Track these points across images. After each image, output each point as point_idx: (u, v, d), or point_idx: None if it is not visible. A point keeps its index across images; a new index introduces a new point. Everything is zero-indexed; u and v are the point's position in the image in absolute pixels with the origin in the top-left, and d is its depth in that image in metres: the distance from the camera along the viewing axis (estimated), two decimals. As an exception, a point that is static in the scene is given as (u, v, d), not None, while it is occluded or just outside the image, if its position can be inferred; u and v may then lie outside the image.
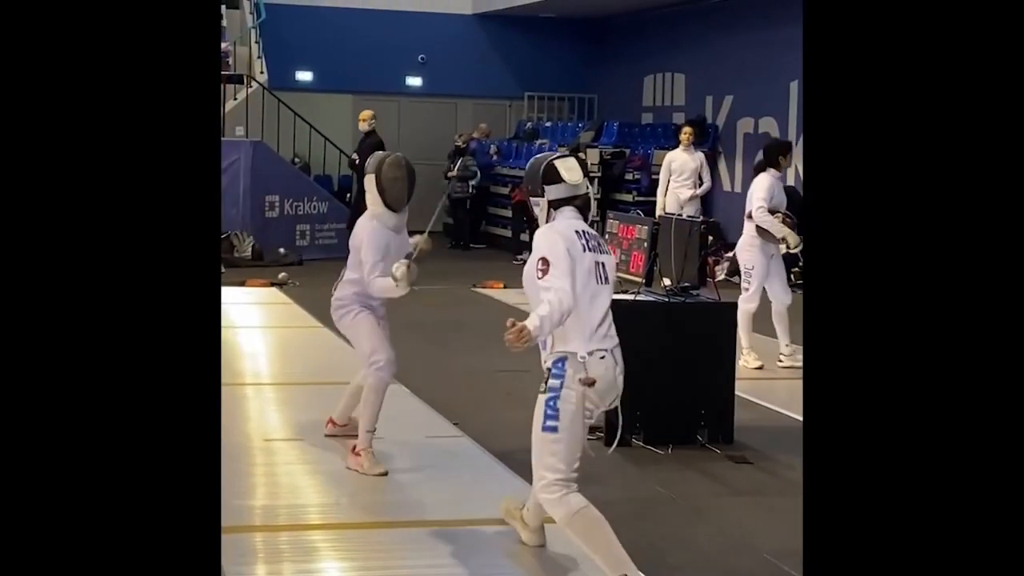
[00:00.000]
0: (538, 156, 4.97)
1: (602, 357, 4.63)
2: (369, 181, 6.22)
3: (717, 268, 13.75)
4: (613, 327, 4.75)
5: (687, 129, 14.63)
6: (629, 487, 6.23)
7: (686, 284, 6.91)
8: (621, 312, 6.71)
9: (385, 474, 6.20)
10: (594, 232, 4.77)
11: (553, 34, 21.61)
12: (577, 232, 4.64)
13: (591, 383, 4.56)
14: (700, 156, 14.60)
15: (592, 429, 6.95)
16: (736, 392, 7.10)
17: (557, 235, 4.61)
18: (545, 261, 4.49)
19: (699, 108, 18.92)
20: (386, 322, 6.42)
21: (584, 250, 4.61)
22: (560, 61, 21.85)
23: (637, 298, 6.85)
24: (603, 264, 4.70)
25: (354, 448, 6.32)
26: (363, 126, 16.19)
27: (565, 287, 4.43)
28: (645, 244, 6.83)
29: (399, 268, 5.91)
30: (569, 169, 4.74)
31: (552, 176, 4.72)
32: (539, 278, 4.48)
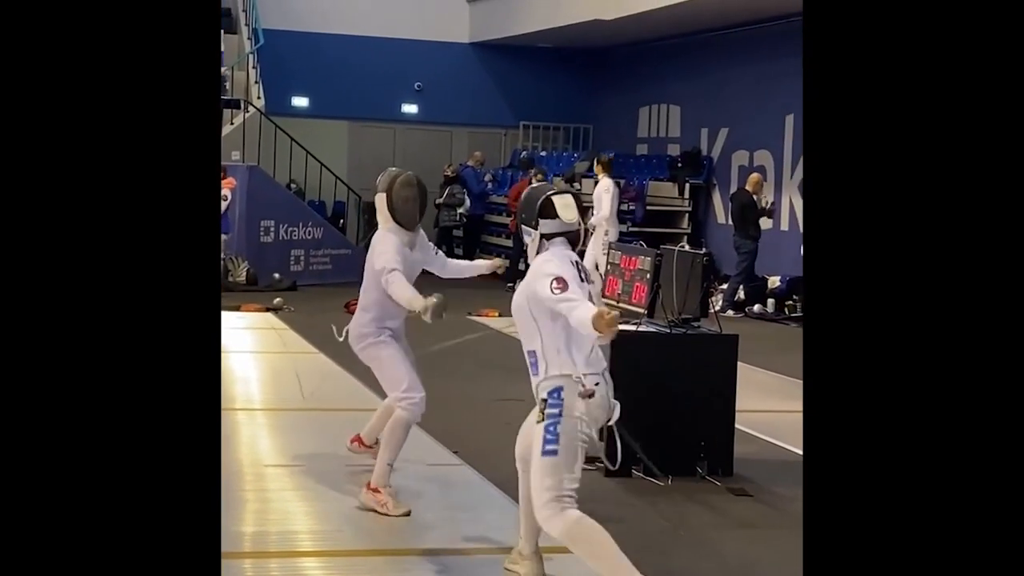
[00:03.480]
0: (536, 188, 5.00)
1: (596, 383, 4.67)
2: (380, 200, 6.07)
3: (712, 300, 13.74)
4: (599, 350, 4.81)
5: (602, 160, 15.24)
6: (630, 518, 6.16)
7: (687, 316, 6.87)
8: (623, 343, 6.72)
9: (408, 514, 5.90)
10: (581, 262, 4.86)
11: (549, 64, 21.67)
12: (571, 262, 4.71)
13: (591, 394, 4.62)
14: (602, 185, 14.72)
15: (591, 460, 6.92)
16: (736, 425, 7.05)
17: (563, 260, 4.67)
18: (561, 280, 4.51)
19: (694, 140, 18.97)
20: (411, 352, 6.24)
21: (579, 279, 4.65)
22: (556, 91, 21.90)
23: (639, 329, 6.81)
24: (590, 293, 4.78)
25: (369, 484, 6.04)
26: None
27: (586, 303, 4.47)
28: (648, 275, 6.79)
29: (431, 298, 5.68)
30: (566, 206, 4.80)
31: (548, 212, 4.78)
32: (555, 294, 4.49)
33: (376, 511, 5.95)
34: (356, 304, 14.63)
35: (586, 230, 4.95)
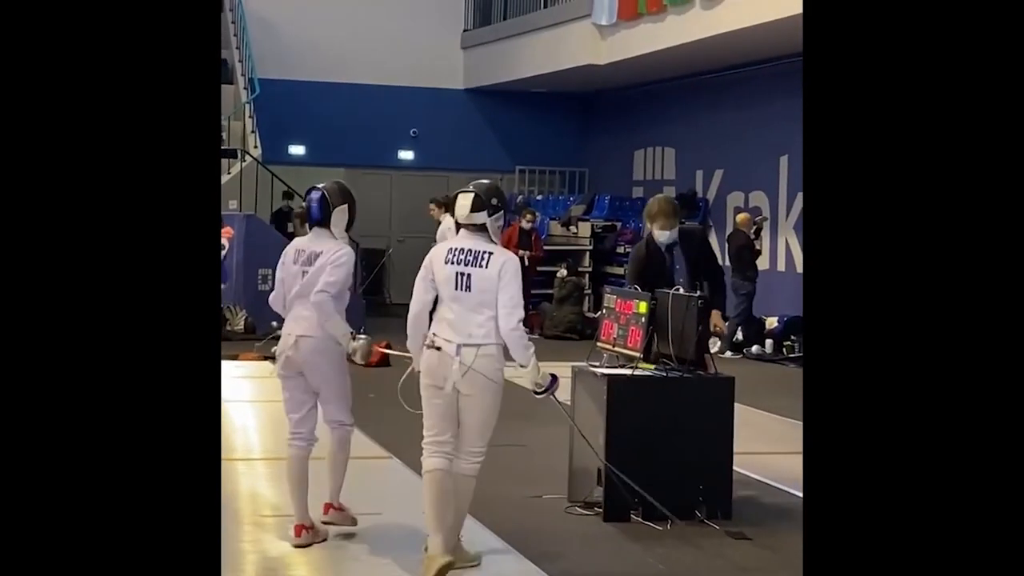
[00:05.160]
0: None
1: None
2: (343, 212, 6.29)
3: (709, 342, 13.75)
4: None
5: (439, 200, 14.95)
6: (628, 563, 6.16)
7: (684, 359, 6.89)
8: (619, 387, 6.75)
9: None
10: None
11: (544, 108, 21.79)
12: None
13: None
14: (445, 224, 14.45)
15: (590, 505, 6.93)
16: (735, 467, 7.06)
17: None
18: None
19: (689, 182, 19.05)
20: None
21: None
22: (551, 135, 22.01)
23: (635, 373, 6.83)
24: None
25: (335, 504, 6.40)
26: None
27: None
28: (643, 319, 6.82)
29: (361, 341, 6.10)
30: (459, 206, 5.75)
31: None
32: None
33: (345, 526, 6.36)
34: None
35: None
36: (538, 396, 5.84)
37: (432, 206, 14.65)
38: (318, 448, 6.42)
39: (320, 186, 6.35)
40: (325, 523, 6.35)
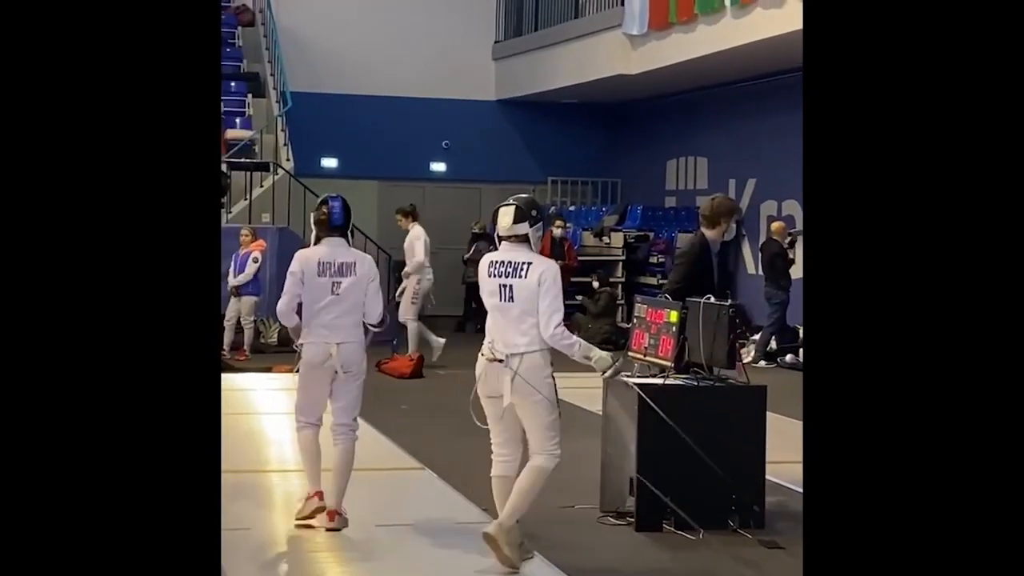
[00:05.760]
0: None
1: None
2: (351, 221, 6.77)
3: (743, 351, 13.72)
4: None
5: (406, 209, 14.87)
6: (659, 570, 6.17)
7: (715, 367, 6.90)
8: (651, 396, 6.75)
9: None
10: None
11: (576, 119, 21.81)
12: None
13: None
14: (413, 233, 14.49)
15: (622, 515, 6.94)
16: (768, 476, 7.05)
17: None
18: None
19: (722, 191, 18.98)
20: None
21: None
22: (583, 146, 22.02)
23: (666, 382, 6.84)
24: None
25: (339, 509, 6.63)
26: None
27: None
28: (674, 328, 6.83)
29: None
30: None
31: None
32: None
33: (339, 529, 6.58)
34: (388, 363, 14.62)
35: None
36: (605, 377, 6.55)
37: (399, 216, 14.64)
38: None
39: (335, 195, 6.70)
40: (330, 530, 6.60)
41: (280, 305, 6.63)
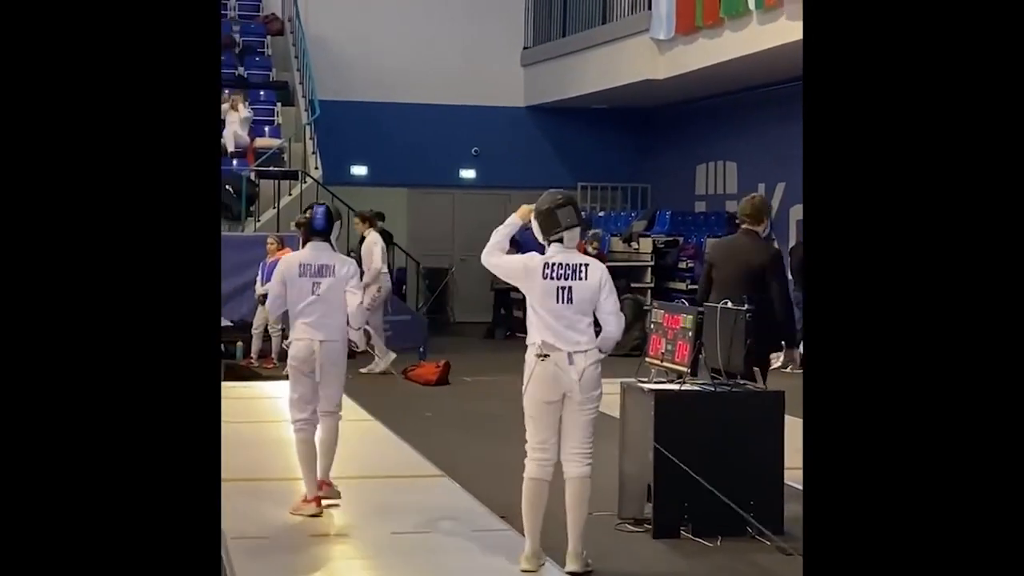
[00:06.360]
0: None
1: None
2: (337, 226, 7.24)
3: (772, 356, 13.63)
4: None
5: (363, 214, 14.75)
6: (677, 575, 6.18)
7: (732, 373, 6.88)
8: (667, 401, 6.75)
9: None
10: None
11: (605, 125, 21.80)
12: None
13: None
14: (370, 239, 14.34)
15: (639, 521, 6.93)
16: (787, 482, 7.01)
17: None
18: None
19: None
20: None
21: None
22: (612, 151, 22.01)
23: (683, 388, 6.83)
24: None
25: (326, 481, 7.19)
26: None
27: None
28: (690, 333, 6.82)
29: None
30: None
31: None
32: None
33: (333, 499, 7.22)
34: (414, 370, 14.62)
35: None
36: None
37: (357, 221, 14.55)
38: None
39: (321, 203, 7.32)
40: (320, 497, 7.13)
41: (267, 304, 7.33)
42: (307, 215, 7.23)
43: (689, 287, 17.39)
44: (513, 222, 6.24)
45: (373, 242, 14.18)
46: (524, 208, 6.24)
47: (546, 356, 5.87)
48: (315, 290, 6.95)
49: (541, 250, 6.13)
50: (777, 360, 13.84)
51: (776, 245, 9.69)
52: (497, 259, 6.19)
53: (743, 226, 7.88)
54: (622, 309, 6.27)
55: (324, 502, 7.15)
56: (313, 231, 7.11)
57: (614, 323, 5.99)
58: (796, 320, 14.98)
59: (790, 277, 15.99)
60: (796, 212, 17.86)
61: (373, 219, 14.65)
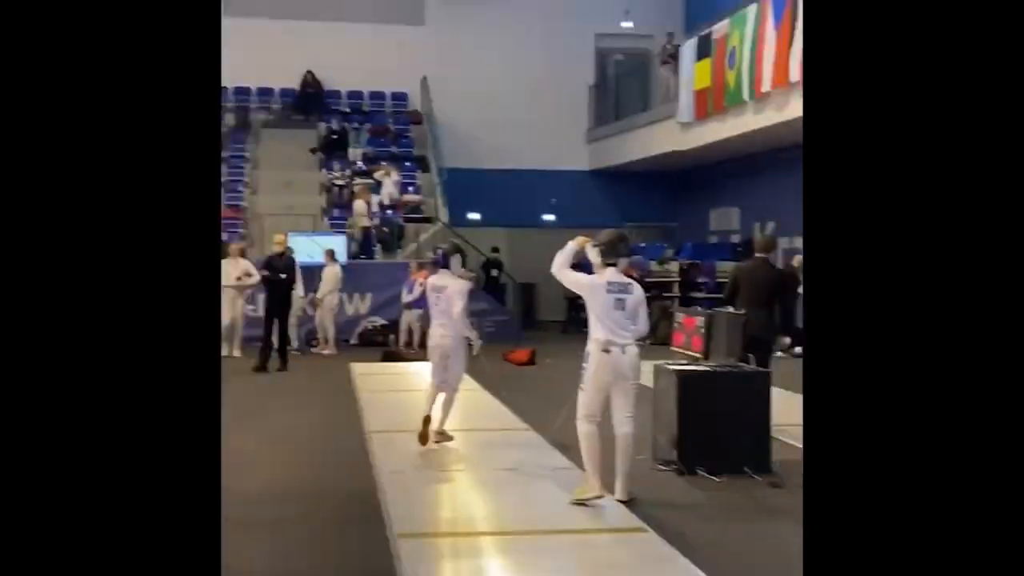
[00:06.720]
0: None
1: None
2: (456, 259, 7.54)
3: (775, 345, 13.40)
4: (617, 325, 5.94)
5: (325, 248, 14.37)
6: (695, 502, 6.12)
7: (732, 358, 6.82)
8: (689, 379, 6.70)
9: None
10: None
11: (645, 182, 21.73)
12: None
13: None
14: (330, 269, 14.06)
15: (668, 463, 6.87)
16: (780, 437, 6.91)
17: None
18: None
19: (749, 230, 18.73)
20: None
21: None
22: (650, 200, 21.91)
23: (697, 368, 6.78)
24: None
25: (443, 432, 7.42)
26: (277, 248, 12.69)
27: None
28: (702, 330, 6.78)
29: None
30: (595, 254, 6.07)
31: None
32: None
33: (446, 441, 7.40)
34: (511, 354, 14.64)
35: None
36: None
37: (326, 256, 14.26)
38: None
39: (443, 246, 7.73)
40: (438, 441, 7.41)
41: (403, 296, 8.01)
42: (435, 255, 7.88)
43: (705, 296, 17.19)
44: (572, 248, 6.05)
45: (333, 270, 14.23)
46: (580, 238, 6.10)
47: (608, 351, 5.82)
48: (437, 302, 7.44)
49: (590, 268, 6.11)
50: (776, 348, 13.67)
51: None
52: (567, 273, 6.05)
53: (757, 254, 7.95)
54: (652, 313, 6.27)
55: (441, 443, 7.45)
56: (436, 264, 7.77)
57: (644, 324, 6.03)
58: (795, 318, 14.81)
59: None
60: (782, 242, 17.56)
61: (331, 254, 14.45)
